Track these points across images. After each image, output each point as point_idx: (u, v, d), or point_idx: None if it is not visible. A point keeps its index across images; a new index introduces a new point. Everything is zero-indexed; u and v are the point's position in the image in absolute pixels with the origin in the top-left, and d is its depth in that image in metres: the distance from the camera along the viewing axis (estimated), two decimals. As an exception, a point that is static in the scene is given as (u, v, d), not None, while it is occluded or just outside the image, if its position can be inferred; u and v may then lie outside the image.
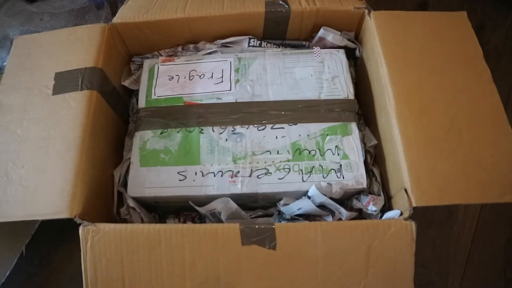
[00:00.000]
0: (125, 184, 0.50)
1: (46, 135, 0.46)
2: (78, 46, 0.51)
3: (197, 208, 0.47)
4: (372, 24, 0.51)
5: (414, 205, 0.42)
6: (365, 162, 0.49)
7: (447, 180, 0.43)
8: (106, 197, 0.50)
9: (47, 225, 0.57)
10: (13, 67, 0.51)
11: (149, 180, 0.48)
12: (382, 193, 0.48)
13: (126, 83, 0.55)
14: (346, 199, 0.50)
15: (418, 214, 0.42)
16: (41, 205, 0.43)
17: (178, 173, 0.48)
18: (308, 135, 0.50)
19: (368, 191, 0.48)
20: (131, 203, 0.47)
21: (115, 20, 0.53)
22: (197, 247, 0.42)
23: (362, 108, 0.55)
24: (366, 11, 0.52)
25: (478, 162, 0.44)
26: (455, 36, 0.50)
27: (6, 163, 0.45)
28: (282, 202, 0.48)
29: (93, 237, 0.41)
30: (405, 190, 0.43)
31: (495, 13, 0.90)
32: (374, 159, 0.52)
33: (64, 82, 0.49)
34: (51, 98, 0.48)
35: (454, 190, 0.43)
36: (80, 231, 0.42)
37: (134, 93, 0.58)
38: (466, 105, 0.46)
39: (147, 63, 0.55)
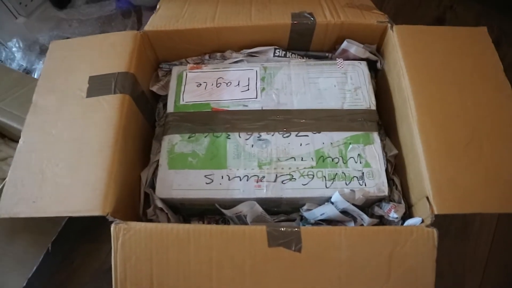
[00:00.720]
0: (152, 186, 0.52)
1: (80, 136, 0.48)
2: (111, 51, 0.53)
3: (223, 210, 0.48)
4: (395, 37, 0.53)
5: (436, 212, 0.43)
6: (386, 171, 0.51)
7: (467, 189, 0.44)
8: (134, 198, 0.52)
9: (71, 223, 0.58)
10: (49, 70, 0.54)
11: (177, 182, 0.50)
12: (402, 201, 0.50)
13: (154, 88, 0.57)
14: (367, 206, 0.51)
15: (434, 225, 0.44)
16: (75, 202, 0.45)
17: (205, 176, 0.50)
18: (331, 143, 0.51)
19: (389, 199, 0.50)
20: (159, 204, 0.49)
21: (147, 28, 0.55)
22: (225, 247, 0.43)
23: (382, 119, 0.57)
24: (389, 25, 0.54)
25: (498, 173, 0.45)
26: (475, 50, 0.52)
27: (42, 162, 0.47)
28: (305, 207, 0.50)
29: (124, 234, 0.43)
30: (427, 198, 0.44)
31: (512, 29, 0.92)
32: (395, 168, 0.54)
33: (97, 86, 0.51)
34: (84, 100, 0.50)
35: (475, 200, 0.44)
36: (112, 228, 0.43)
37: (161, 98, 0.60)
38: (486, 118, 0.48)
39: (175, 70, 0.57)
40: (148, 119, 0.57)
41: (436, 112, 0.48)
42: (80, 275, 0.64)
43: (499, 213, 0.68)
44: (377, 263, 0.43)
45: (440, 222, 0.44)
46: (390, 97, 0.55)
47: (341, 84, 0.55)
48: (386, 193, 0.49)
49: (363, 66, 0.56)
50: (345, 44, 0.56)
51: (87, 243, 0.66)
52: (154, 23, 0.56)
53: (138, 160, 0.53)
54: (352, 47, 0.56)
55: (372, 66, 0.59)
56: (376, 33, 0.56)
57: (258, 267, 0.43)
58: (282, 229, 0.43)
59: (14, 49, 0.77)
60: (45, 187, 0.46)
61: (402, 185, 0.52)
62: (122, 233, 0.43)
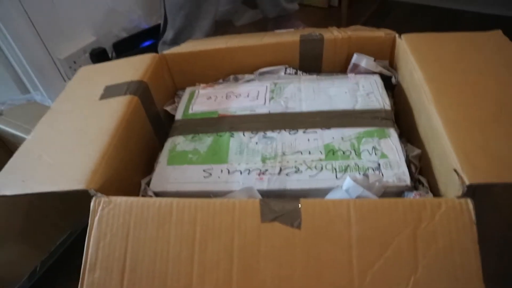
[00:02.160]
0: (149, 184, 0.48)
1: (84, 126, 0.48)
2: (130, 68, 0.57)
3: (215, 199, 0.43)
4: (404, 44, 0.52)
5: (467, 182, 0.35)
6: (409, 170, 0.44)
7: (501, 158, 0.36)
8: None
9: (68, 247, 0.54)
10: (71, 85, 0.57)
11: (174, 176, 0.46)
12: (430, 192, 0.41)
13: (168, 108, 0.58)
14: (388, 202, 0.43)
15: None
16: (62, 180, 0.42)
17: (203, 170, 0.46)
18: (342, 138, 0.47)
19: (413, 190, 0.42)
20: (150, 193, 0.45)
21: (165, 51, 0.59)
22: (211, 223, 0.37)
23: (402, 130, 0.52)
24: (397, 35, 0.54)
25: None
26: (492, 46, 0.49)
27: (42, 150, 0.47)
28: (313, 203, 0.43)
29: (103, 208, 0.39)
30: (455, 170, 0.37)
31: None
32: (420, 171, 0.46)
33: (111, 91, 0.53)
34: (97, 102, 0.52)
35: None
36: (92, 203, 0.39)
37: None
38: (509, 100, 0.42)
39: (189, 89, 0.59)
40: (158, 132, 0.56)
41: (455, 92, 0.43)
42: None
43: None
44: (398, 245, 0.34)
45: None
46: (407, 102, 0.51)
47: (352, 91, 0.53)
48: (407, 182, 0.41)
49: (375, 77, 0.54)
50: (355, 58, 0.56)
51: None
52: (172, 49, 0.60)
53: (139, 164, 0.51)
54: (363, 60, 0.55)
55: (387, 84, 0.57)
56: (386, 46, 0.56)
57: (248, 247, 0.35)
58: (278, 202, 0.36)
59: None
60: (37, 169, 0.44)
61: (430, 184, 0.44)
62: (101, 207, 0.39)
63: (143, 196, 0.49)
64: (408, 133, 0.51)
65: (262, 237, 0.36)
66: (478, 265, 0.32)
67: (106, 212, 0.38)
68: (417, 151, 0.47)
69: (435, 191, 0.43)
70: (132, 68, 0.57)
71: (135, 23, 1.00)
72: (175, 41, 0.93)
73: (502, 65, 0.47)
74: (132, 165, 0.50)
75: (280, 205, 0.36)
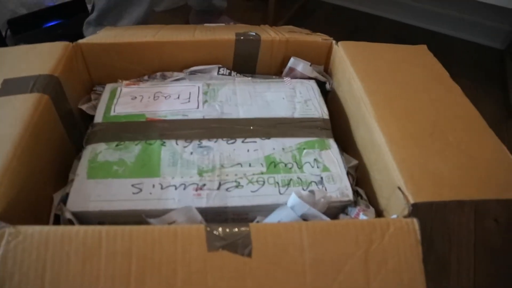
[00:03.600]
0: (64, 202, 0.41)
1: (-24, 133, 0.39)
2: (36, 58, 0.47)
3: (150, 220, 0.38)
4: (341, 50, 0.52)
5: (412, 201, 0.36)
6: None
7: (442, 176, 0.38)
8: (41, 219, 0.40)
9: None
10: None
11: (96, 193, 0.39)
12: (371, 207, 0.42)
13: (83, 107, 0.50)
14: (331, 217, 0.42)
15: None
16: None
17: (132, 185, 0.40)
18: (283, 149, 0.45)
19: (355, 205, 0.42)
20: (68, 215, 0.38)
21: (81, 40, 0.51)
22: (149, 254, 0.32)
23: (336, 139, 0.52)
24: (334, 41, 0.54)
25: (470, 160, 0.40)
26: (421, 61, 0.52)
27: None
28: (255, 221, 0.40)
29: (8, 242, 0.31)
30: (399, 188, 0.37)
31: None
32: (357, 181, 0.47)
33: (12, 87, 0.43)
34: (-9, 100, 0.42)
35: (452, 186, 0.38)
36: (-8, 235, 0.31)
37: (91, 124, 0.52)
38: (444, 112, 0.45)
39: (109, 86, 0.51)
40: (72, 136, 0.48)
41: (393, 107, 0.44)
42: None
43: (474, 249, 0.60)
44: (351, 267, 0.33)
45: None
46: (343, 110, 0.51)
47: (290, 97, 0.51)
48: (350, 197, 0.41)
49: (312, 83, 0.54)
50: (291, 62, 0.54)
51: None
52: (90, 38, 0.52)
53: (50, 173, 0.43)
54: (299, 65, 0.54)
55: (321, 90, 0.56)
56: (322, 52, 0.55)
57: (194, 280, 0.32)
58: (226, 228, 0.33)
59: None
60: None
61: (368, 195, 0.45)
62: (5, 240, 0.31)
63: (56, 215, 0.41)
64: (342, 141, 0.52)
65: (209, 268, 0.32)
66: (424, 283, 0.33)
67: (12, 246, 0.31)
68: (354, 162, 0.47)
69: (374, 204, 0.43)
70: (39, 58, 0.47)
71: (38, -2, 0.85)
72: (99, 23, 0.82)
73: (432, 80, 0.49)
74: (41, 177, 0.42)
75: (228, 231, 0.33)
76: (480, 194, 0.38)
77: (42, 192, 0.42)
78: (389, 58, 0.51)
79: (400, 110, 0.44)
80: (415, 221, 0.35)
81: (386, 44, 0.54)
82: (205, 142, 0.45)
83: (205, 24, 0.61)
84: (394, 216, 0.38)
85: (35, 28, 0.83)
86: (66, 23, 0.88)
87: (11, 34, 0.80)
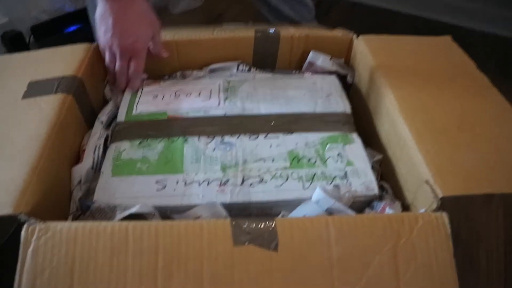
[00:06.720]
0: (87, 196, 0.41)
1: (5, 133, 0.39)
2: (59, 60, 0.48)
3: (175, 216, 0.38)
4: (362, 44, 0.51)
5: (440, 195, 0.35)
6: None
7: (470, 170, 0.37)
8: (66, 214, 0.41)
9: None
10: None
11: (121, 190, 0.40)
12: (397, 201, 0.41)
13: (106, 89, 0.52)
14: (357, 212, 0.42)
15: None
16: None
17: (156, 182, 0.41)
18: (306, 144, 0.44)
19: (380, 199, 0.41)
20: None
21: (101, 41, 0.52)
22: (176, 250, 0.32)
23: (360, 134, 0.52)
24: (354, 35, 0.53)
25: (498, 152, 0.39)
26: (445, 52, 0.50)
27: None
28: (280, 216, 0.40)
29: (39, 238, 0.32)
30: (427, 182, 0.36)
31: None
32: (381, 176, 0.46)
33: (37, 89, 0.44)
34: (19, 102, 0.43)
35: (480, 180, 0.37)
36: (23, 231, 0.32)
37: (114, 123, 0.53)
38: (470, 104, 0.43)
39: (130, 85, 0.52)
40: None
41: (418, 99, 0.43)
42: None
43: (505, 245, 0.58)
44: (379, 262, 0.33)
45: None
46: (365, 104, 0.50)
47: (311, 92, 0.51)
48: (375, 191, 0.40)
49: (333, 78, 0.53)
50: (311, 56, 0.53)
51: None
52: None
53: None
54: (319, 59, 0.53)
55: (342, 84, 0.55)
56: (343, 46, 0.54)
57: (220, 274, 0.32)
58: (251, 222, 0.33)
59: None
60: None
61: (393, 190, 0.44)
62: (36, 236, 0.32)
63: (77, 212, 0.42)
64: (365, 135, 0.51)
65: (236, 262, 0.32)
66: (455, 279, 0.32)
67: (42, 242, 0.32)
68: (378, 156, 0.46)
69: (399, 198, 0.42)
70: (62, 60, 0.48)
71: (59, 4, 0.86)
72: None
73: (457, 71, 0.48)
74: (67, 174, 0.43)
75: (253, 226, 0.33)
76: (509, 188, 0.37)
77: (67, 189, 0.43)
78: (412, 50, 0.50)
79: (425, 103, 0.43)
80: (444, 215, 0.34)
81: (408, 36, 0.53)
82: (227, 139, 0.45)
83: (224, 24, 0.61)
84: (422, 210, 0.37)
85: (56, 33, 0.85)
86: (86, 27, 0.90)
87: (34, 40, 0.82)
